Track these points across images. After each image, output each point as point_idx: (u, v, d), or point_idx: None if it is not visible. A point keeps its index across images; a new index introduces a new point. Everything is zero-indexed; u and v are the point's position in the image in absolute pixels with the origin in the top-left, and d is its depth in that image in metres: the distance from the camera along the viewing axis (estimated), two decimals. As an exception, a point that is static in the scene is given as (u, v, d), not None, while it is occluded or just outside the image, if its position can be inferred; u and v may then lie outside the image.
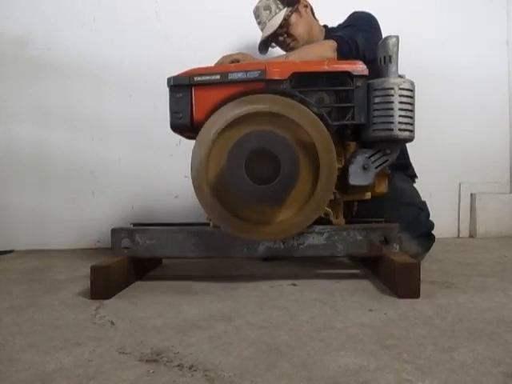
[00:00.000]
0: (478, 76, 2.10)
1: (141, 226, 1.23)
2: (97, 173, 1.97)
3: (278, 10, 1.59)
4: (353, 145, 1.19)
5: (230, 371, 0.63)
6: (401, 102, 1.11)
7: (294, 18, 1.61)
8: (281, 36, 1.63)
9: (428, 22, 2.03)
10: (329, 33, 1.64)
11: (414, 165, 1.65)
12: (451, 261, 1.47)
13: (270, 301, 1.00)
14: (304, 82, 1.14)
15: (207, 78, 1.14)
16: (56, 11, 1.95)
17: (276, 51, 1.72)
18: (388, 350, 0.70)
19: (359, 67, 1.13)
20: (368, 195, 1.21)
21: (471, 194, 2.13)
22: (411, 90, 1.13)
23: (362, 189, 1.19)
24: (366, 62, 1.16)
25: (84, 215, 1.96)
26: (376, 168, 1.15)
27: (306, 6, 1.65)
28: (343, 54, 1.37)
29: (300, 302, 0.99)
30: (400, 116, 1.11)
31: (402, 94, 1.11)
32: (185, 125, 1.16)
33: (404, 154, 1.64)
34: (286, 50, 1.67)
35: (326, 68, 1.14)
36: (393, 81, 1.11)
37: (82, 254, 1.78)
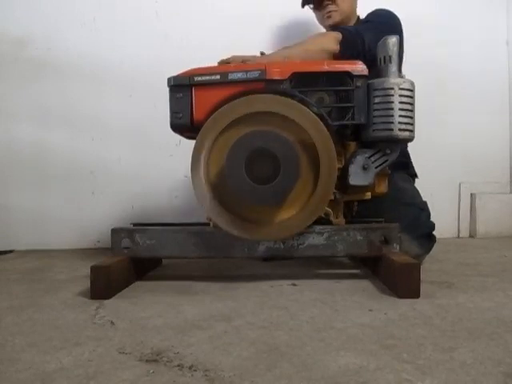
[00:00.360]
0: (478, 76, 2.10)
1: (141, 226, 1.23)
2: (97, 173, 1.97)
3: None
4: (353, 145, 1.19)
5: (230, 371, 0.63)
6: (401, 102, 1.11)
7: None
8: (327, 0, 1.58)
9: (428, 21, 2.03)
10: (359, 23, 1.61)
11: (414, 165, 1.65)
12: (451, 261, 1.47)
13: (270, 301, 1.00)
14: (304, 82, 1.14)
15: (207, 77, 1.14)
16: (56, 11, 1.94)
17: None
18: (388, 349, 0.70)
19: (359, 67, 1.13)
20: (368, 195, 1.21)
21: (471, 194, 2.13)
22: (411, 90, 1.13)
23: (362, 189, 1.19)
24: (370, 60, 1.15)
25: (84, 215, 1.95)
26: (376, 168, 1.15)
27: None
28: (347, 47, 1.35)
29: (300, 301, 0.99)
30: (400, 116, 1.11)
31: (402, 94, 1.11)
32: (185, 125, 1.16)
33: (405, 153, 1.64)
34: (320, 18, 1.64)
35: (326, 68, 1.14)
36: (393, 81, 1.11)
37: (82, 254, 1.78)
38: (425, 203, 1.45)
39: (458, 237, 2.13)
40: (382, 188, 1.21)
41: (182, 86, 1.15)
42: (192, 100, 1.15)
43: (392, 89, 1.11)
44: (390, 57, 1.13)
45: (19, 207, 1.94)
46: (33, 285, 1.22)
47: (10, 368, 0.66)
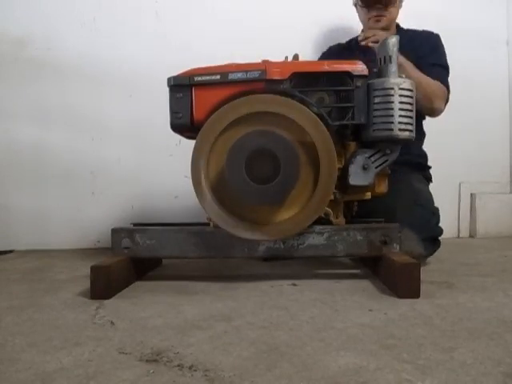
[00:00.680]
0: (478, 76, 2.10)
1: (141, 226, 1.23)
2: (97, 173, 1.96)
3: None
4: (353, 145, 1.19)
5: (230, 371, 0.63)
6: (401, 102, 1.11)
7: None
8: (380, 4, 1.57)
9: (428, 21, 2.02)
10: (399, 31, 1.64)
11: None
12: (451, 261, 1.47)
13: (270, 301, 1.00)
14: (304, 82, 1.14)
15: (207, 77, 1.14)
16: (56, 11, 1.94)
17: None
18: (388, 350, 0.70)
19: (359, 67, 1.13)
20: (368, 195, 1.21)
21: (471, 194, 2.13)
22: (411, 90, 1.13)
23: (362, 189, 1.19)
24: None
25: (84, 215, 1.95)
26: (376, 168, 1.15)
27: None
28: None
29: (300, 301, 0.99)
30: (400, 116, 1.11)
31: (402, 94, 1.11)
32: (185, 125, 1.16)
33: (423, 155, 1.66)
34: (366, 18, 1.64)
35: (326, 68, 1.14)
36: (393, 81, 1.11)
37: (82, 253, 1.78)
38: (437, 209, 1.47)
39: (458, 237, 2.13)
40: (382, 188, 1.21)
41: (182, 86, 1.15)
42: (192, 100, 1.15)
43: (392, 89, 1.11)
44: (390, 57, 1.13)
45: (19, 207, 1.94)
46: (33, 285, 1.22)
47: (9, 368, 0.66)
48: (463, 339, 0.74)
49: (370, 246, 1.15)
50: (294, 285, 1.14)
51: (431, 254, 1.41)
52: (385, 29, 1.59)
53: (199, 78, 1.14)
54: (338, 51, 1.77)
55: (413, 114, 1.14)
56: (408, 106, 1.12)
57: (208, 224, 1.20)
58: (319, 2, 2.01)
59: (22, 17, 1.94)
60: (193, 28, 1.97)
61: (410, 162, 1.56)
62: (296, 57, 1.29)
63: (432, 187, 1.64)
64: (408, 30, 1.68)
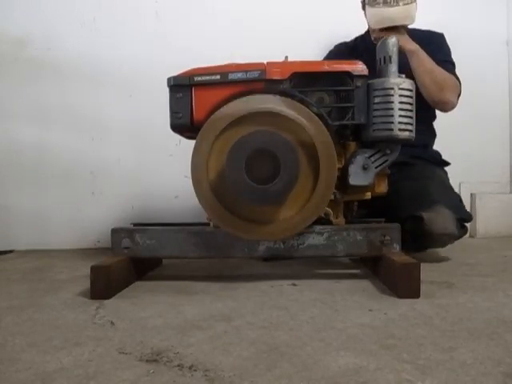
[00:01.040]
0: (478, 76, 2.10)
1: (141, 226, 1.23)
2: (97, 173, 1.96)
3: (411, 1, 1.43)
4: (353, 145, 1.19)
5: (230, 371, 0.63)
6: (401, 102, 1.11)
7: None
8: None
9: (427, 21, 2.02)
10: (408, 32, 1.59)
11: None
12: (451, 261, 1.47)
13: (270, 301, 1.00)
14: (304, 82, 1.14)
15: (207, 77, 1.14)
16: (56, 11, 1.94)
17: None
18: (388, 350, 0.70)
19: (359, 67, 1.13)
20: (368, 195, 1.21)
21: (471, 194, 2.13)
22: (411, 90, 1.13)
23: (362, 189, 1.19)
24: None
25: (84, 215, 1.95)
26: (376, 168, 1.15)
27: None
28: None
29: (300, 301, 0.99)
30: (400, 116, 1.11)
31: (401, 94, 1.11)
32: (185, 125, 1.16)
33: (437, 153, 1.71)
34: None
35: (325, 68, 1.14)
36: (393, 81, 1.12)
37: (82, 253, 1.78)
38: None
39: (458, 237, 2.13)
40: (382, 188, 1.21)
41: (181, 86, 1.15)
42: (192, 100, 1.15)
43: (392, 89, 1.11)
44: (390, 57, 1.13)
45: (19, 207, 1.94)
46: (33, 285, 1.22)
47: (9, 368, 0.66)
48: (463, 339, 0.74)
49: (370, 246, 1.15)
50: (294, 285, 1.14)
51: (460, 237, 1.43)
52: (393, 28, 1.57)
53: (199, 78, 1.14)
54: (345, 50, 1.75)
55: (413, 114, 1.14)
56: (408, 106, 1.12)
57: (208, 224, 1.20)
58: (319, 2, 2.01)
59: (22, 17, 1.94)
60: (193, 28, 1.97)
61: (427, 158, 1.63)
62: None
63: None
64: (413, 30, 1.67)
